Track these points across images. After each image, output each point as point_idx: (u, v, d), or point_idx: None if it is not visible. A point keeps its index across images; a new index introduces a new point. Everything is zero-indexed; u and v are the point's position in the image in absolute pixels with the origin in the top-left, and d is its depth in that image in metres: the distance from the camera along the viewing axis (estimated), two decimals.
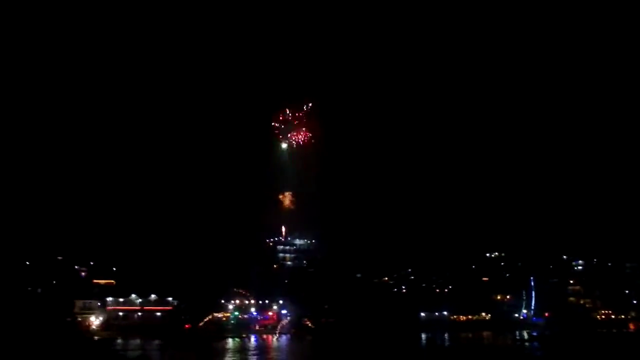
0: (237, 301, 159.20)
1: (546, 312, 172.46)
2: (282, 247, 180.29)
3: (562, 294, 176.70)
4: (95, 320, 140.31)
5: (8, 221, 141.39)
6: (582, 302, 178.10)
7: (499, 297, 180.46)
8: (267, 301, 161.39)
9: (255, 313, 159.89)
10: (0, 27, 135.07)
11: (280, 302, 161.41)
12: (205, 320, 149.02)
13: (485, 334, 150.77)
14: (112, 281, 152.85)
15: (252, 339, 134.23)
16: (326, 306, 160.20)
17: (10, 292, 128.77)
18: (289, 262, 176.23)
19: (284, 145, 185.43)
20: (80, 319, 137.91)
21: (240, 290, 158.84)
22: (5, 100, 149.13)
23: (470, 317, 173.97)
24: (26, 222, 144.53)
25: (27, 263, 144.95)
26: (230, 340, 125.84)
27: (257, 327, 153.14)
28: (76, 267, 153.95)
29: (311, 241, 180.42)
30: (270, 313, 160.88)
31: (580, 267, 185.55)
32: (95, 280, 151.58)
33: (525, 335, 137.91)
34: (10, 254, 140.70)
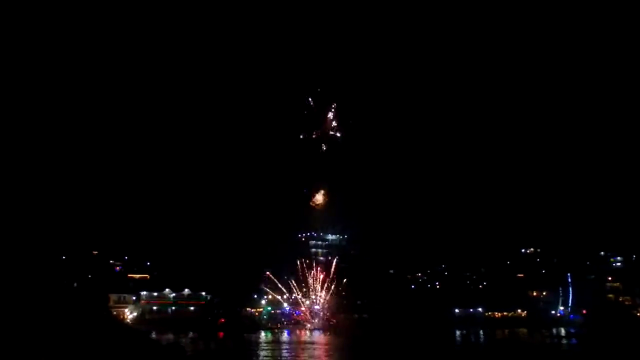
0: (270, 296, 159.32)
1: (583, 309, 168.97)
2: (314, 242, 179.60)
3: (600, 291, 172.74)
4: (129, 314, 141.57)
5: (45, 217, 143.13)
6: (621, 299, 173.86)
7: (534, 294, 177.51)
8: (299, 296, 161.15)
9: (287, 308, 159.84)
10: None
11: (313, 297, 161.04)
12: (238, 314, 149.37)
13: (521, 331, 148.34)
14: (147, 275, 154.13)
15: (285, 333, 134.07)
16: (359, 302, 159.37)
17: (47, 287, 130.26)
18: (321, 258, 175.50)
19: (318, 140, 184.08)
20: (115, 313, 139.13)
21: (274, 281, 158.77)
22: (34, 100, 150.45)
23: (505, 313, 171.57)
24: (63, 218, 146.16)
25: (64, 258, 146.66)
26: (263, 335, 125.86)
27: (289, 322, 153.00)
28: (111, 261, 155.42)
29: (343, 236, 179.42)
30: (302, 308, 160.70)
31: (619, 264, 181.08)
32: (129, 275, 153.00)
33: (563, 333, 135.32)
34: (47, 249, 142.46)
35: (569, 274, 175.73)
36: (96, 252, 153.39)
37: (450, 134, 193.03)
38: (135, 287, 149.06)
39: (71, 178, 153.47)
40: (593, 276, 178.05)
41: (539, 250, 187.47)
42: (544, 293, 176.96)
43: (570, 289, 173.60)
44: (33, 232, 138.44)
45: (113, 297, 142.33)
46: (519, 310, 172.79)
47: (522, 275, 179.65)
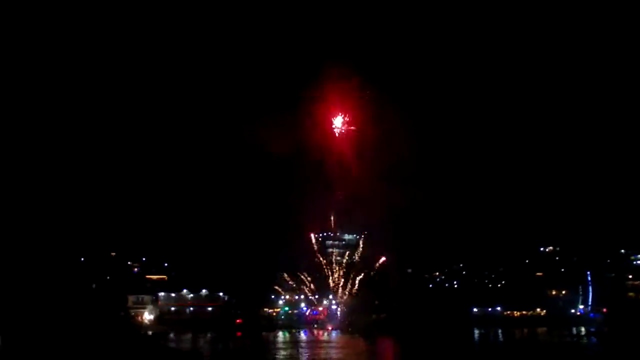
0: (287, 296, 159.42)
1: (604, 307, 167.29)
2: (330, 242, 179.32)
3: (620, 289, 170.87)
4: (148, 315, 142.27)
5: (62, 219, 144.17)
6: None
7: (554, 293, 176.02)
8: (316, 296, 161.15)
9: (305, 308, 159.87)
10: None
11: (330, 297, 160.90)
12: (256, 315, 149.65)
13: (540, 330, 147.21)
14: (164, 277, 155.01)
15: (303, 334, 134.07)
16: (377, 302, 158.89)
17: (65, 288, 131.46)
18: (337, 257, 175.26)
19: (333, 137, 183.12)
20: (133, 314, 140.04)
21: (291, 281, 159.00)
22: (50, 104, 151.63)
23: (524, 312, 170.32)
24: (81, 220, 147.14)
25: (82, 259, 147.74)
26: (280, 334, 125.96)
27: (307, 323, 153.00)
28: (129, 262, 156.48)
29: (360, 236, 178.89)
30: (320, 308, 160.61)
31: (639, 262, 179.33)
32: (147, 276, 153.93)
33: (583, 332, 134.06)
34: (65, 251, 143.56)
35: (588, 272, 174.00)
36: (114, 254, 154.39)
37: (467, 130, 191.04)
38: (153, 288, 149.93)
39: (89, 181, 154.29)
40: (613, 274, 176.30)
41: (558, 248, 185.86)
42: (564, 292, 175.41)
43: (590, 287, 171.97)
44: (52, 235, 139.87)
45: (131, 298, 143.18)
46: (538, 309, 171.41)
47: (541, 273, 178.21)
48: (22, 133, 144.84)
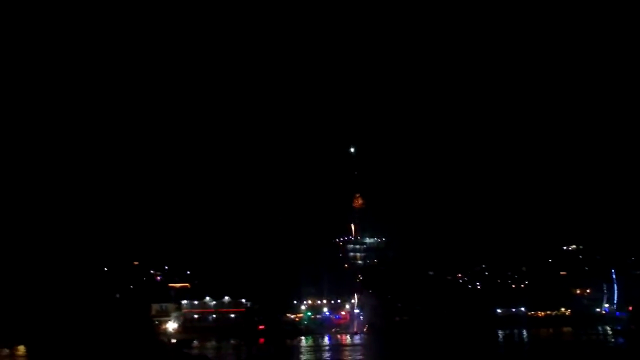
0: (310, 301, 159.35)
1: (629, 306, 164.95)
2: (352, 246, 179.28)
3: None
4: (171, 323, 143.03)
5: (87, 229, 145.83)
6: None
7: (578, 292, 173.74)
8: (339, 301, 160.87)
9: (327, 313, 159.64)
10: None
11: (353, 301, 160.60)
12: (278, 320, 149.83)
13: (565, 329, 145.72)
14: (187, 284, 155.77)
15: (326, 338, 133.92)
16: (399, 304, 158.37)
17: (89, 298, 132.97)
18: (359, 261, 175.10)
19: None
20: (157, 322, 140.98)
21: (312, 290, 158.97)
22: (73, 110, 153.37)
23: (549, 312, 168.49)
24: (103, 230, 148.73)
25: (106, 269, 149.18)
26: (303, 340, 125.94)
27: (330, 327, 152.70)
28: (152, 271, 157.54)
29: (381, 239, 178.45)
30: (342, 312, 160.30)
31: None
32: (170, 284, 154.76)
33: (610, 331, 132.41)
34: (88, 261, 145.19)
35: (613, 270, 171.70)
36: (137, 263, 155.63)
37: (490, 131, 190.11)
38: (176, 296, 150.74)
39: (113, 192, 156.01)
40: (638, 272, 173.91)
41: (581, 247, 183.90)
42: (588, 290, 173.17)
43: (615, 285, 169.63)
44: (76, 245, 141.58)
45: (155, 306, 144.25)
46: (563, 309, 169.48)
47: (565, 273, 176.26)
48: (49, 147, 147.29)
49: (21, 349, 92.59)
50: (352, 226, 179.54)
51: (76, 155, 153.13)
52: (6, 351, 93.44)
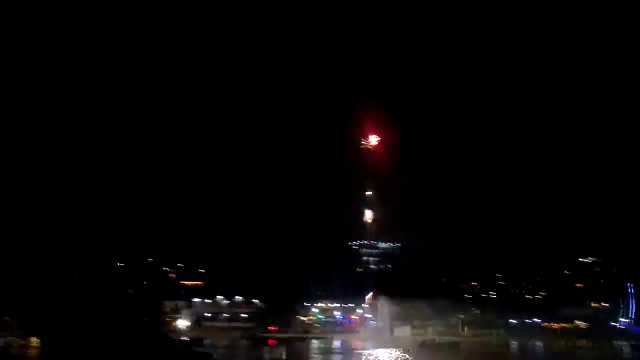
0: (321, 304, 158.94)
1: None
2: (366, 250, 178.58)
3: None
4: (183, 321, 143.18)
5: (100, 225, 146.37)
6: None
7: (594, 305, 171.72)
8: (351, 305, 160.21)
9: (339, 317, 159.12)
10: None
11: (365, 305, 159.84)
12: (289, 322, 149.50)
13: (581, 343, 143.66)
14: (200, 283, 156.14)
15: (338, 342, 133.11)
16: (412, 310, 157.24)
17: (103, 293, 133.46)
18: (373, 266, 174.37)
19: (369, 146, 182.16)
20: (169, 320, 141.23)
21: (324, 294, 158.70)
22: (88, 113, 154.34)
23: (564, 325, 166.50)
24: (118, 226, 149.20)
25: (120, 265, 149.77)
26: (315, 343, 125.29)
27: (342, 331, 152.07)
28: (165, 269, 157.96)
29: (396, 245, 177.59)
30: (354, 317, 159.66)
31: None
32: (183, 282, 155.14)
33: (626, 345, 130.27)
34: (102, 256, 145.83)
35: (629, 284, 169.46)
36: (151, 260, 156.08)
37: (505, 138, 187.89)
38: (188, 294, 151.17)
39: (126, 188, 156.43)
40: None
41: (598, 259, 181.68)
42: (605, 304, 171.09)
43: (632, 299, 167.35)
44: (90, 241, 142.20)
45: (167, 304, 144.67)
46: (578, 322, 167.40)
47: (581, 285, 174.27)
48: (59, 143, 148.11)
49: (34, 340, 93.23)
50: (367, 230, 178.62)
51: (93, 154, 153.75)
52: (21, 342, 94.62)
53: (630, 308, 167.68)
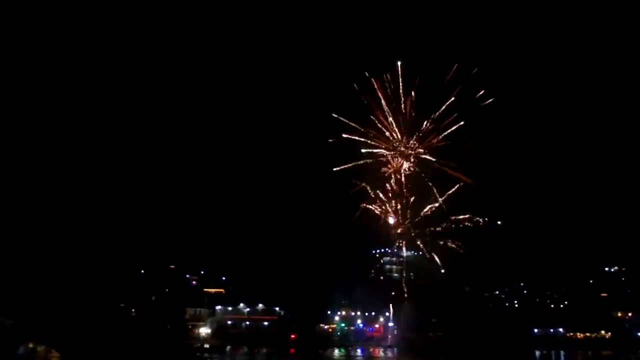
0: (343, 312, 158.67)
1: None
2: (388, 258, 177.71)
3: None
4: (205, 329, 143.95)
5: (125, 232, 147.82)
6: None
7: (619, 315, 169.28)
8: (373, 313, 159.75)
9: (361, 325, 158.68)
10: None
11: (387, 314, 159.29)
12: (311, 330, 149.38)
13: (605, 353, 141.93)
14: (222, 290, 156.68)
15: (359, 351, 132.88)
16: (434, 319, 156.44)
17: (126, 299, 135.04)
18: (395, 274, 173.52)
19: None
20: (190, 327, 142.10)
21: (346, 302, 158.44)
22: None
23: (588, 334, 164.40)
24: (142, 233, 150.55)
25: (142, 272, 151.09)
26: (336, 352, 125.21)
27: (363, 339, 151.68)
28: (187, 276, 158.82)
29: (418, 253, 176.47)
30: (376, 325, 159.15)
31: None
32: (205, 289, 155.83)
33: None
34: (126, 263, 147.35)
35: None
36: (173, 267, 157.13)
37: (531, 147, 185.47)
38: (210, 302, 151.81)
39: (151, 195, 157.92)
40: None
41: (623, 268, 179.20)
42: (630, 314, 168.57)
43: None
44: (114, 248, 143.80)
45: (189, 311, 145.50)
46: (603, 332, 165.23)
47: (606, 294, 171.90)
48: (83, 155, 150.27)
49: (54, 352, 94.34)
50: (390, 238, 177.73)
51: (117, 163, 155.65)
52: (41, 348, 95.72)
53: None
